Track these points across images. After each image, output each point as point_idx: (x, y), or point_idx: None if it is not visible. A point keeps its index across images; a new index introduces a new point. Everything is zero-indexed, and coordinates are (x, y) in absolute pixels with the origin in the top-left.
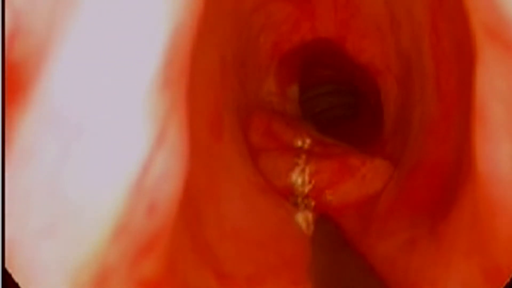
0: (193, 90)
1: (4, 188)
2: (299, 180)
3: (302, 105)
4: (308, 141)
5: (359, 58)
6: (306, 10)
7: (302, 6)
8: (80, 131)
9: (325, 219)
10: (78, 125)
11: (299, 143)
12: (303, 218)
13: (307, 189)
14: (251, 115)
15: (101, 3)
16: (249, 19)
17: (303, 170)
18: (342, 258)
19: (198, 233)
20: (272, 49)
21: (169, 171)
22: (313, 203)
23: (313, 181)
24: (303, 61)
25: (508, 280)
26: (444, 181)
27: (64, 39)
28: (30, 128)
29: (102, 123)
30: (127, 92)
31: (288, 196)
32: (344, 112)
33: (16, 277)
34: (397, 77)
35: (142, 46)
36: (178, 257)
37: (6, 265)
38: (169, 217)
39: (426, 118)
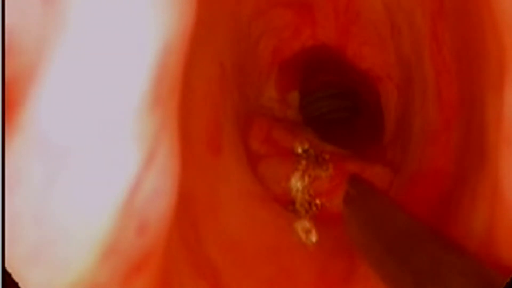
0: (191, 99)
1: (4, 189)
2: (299, 186)
3: (302, 109)
4: (308, 147)
5: (360, 65)
6: (306, 17)
7: (303, 12)
8: (68, 153)
9: (357, 179)
10: (66, 147)
11: (299, 149)
12: (302, 227)
13: (306, 195)
14: (251, 121)
15: (91, 22)
16: (248, 26)
17: (302, 176)
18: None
19: (196, 246)
20: (272, 56)
21: (159, 190)
22: (313, 209)
23: (312, 187)
24: (303, 68)
25: (508, 280)
26: (443, 190)
27: (52, 60)
28: (17, 151)
29: (89, 145)
30: (115, 113)
31: (287, 202)
32: (344, 117)
33: (16, 277)
34: (398, 84)
35: (131, 66)
36: (174, 272)
37: (6, 265)
38: (160, 234)
39: (426, 126)
